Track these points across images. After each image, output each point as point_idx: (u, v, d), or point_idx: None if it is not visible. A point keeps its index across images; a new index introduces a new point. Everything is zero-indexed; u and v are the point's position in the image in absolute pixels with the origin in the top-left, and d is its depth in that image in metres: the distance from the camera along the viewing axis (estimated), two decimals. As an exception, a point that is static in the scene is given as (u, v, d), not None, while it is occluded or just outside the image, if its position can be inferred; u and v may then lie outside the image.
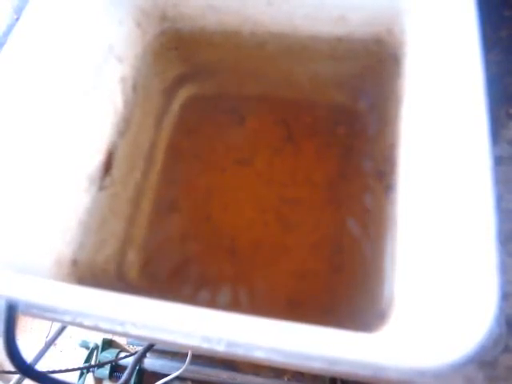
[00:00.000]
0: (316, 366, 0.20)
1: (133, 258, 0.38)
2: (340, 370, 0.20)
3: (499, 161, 0.38)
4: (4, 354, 0.36)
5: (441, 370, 0.18)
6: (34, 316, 0.25)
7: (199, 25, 0.38)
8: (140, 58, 0.38)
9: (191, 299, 0.37)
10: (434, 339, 0.20)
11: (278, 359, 0.20)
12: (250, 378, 0.75)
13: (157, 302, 0.21)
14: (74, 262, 0.31)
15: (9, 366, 0.37)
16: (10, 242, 0.27)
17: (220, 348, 0.20)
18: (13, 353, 0.37)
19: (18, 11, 0.56)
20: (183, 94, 0.44)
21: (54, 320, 0.24)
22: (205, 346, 0.20)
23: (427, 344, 0.19)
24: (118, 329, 0.21)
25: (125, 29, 0.36)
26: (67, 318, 0.23)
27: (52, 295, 0.21)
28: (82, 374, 0.80)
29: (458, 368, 0.19)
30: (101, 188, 0.35)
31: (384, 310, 0.28)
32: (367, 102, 0.40)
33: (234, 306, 0.36)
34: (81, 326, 0.23)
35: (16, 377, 0.54)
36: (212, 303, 0.36)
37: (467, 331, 0.19)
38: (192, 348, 0.37)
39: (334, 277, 0.36)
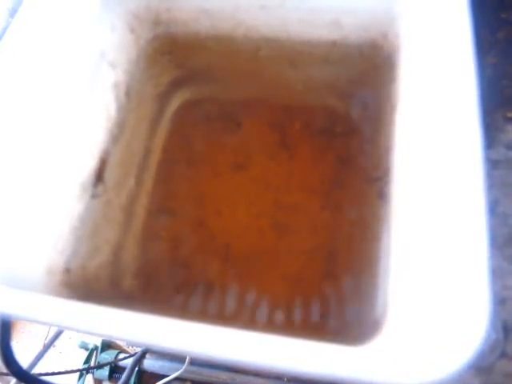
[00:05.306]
0: (307, 378, 0.20)
1: (126, 265, 0.38)
2: (334, 381, 0.20)
3: (496, 165, 0.38)
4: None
5: (436, 382, 0.18)
6: (30, 321, 0.25)
7: (193, 29, 0.38)
8: (133, 64, 0.38)
9: (184, 306, 0.37)
10: (429, 349, 0.20)
11: (267, 370, 0.20)
12: (249, 378, 0.75)
13: (149, 317, 0.21)
14: (67, 270, 0.31)
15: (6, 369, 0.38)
16: (1, 251, 0.27)
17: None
18: (8, 358, 0.37)
19: (13, 14, 0.55)
20: (177, 99, 0.44)
21: (49, 325, 0.24)
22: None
23: (421, 355, 0.19)
24: (113, 335, 0.21)
25: (117, 34, 0.36)
26: (60, 326, 0.22)
27: (42, 311, 0.21)
28: (81, 376, 0.80)
29: (454, 377, 0.18)
30: (93, 195, 0.35)
31: (378, 318, 0.28)
32: (362, 107, 0.40)
33: (228, 313, 0.36)
34: (77, 331, 0.22)
35: (15, 379, 0.54)
36: (205, 310, 0.36)
37: (462, 340, 0.19)
38: (186, 354, 0.37)
39: (329, 283, 0.36)
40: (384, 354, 0.20)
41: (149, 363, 0.77)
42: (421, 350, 0.20)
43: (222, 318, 0.36)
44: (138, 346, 0.73)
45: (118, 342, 0.84)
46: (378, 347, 0.24)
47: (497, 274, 0.36)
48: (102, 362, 0.79)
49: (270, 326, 0.35)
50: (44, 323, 0.22)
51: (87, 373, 0.80)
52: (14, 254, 0.28)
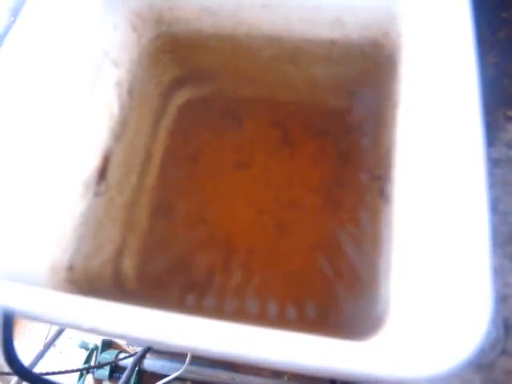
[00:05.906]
0: (310, 372, 0.20)
1: (129, 263, 0.38)
2: (336, 376, 0.20)
3: (497, 163, 0.38)
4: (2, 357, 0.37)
5: (437, 376, 0.18)
6: (31, 319, 0.25)
7: (195, 28, 0.38)
8: (136, 62, 0.38)
9: (187, 305, 0.37)
10: (430, 344, 0.20)
11: (270, 364, 0.20)
12: (249, 378, 0.75)
13: (151, 312, 0.21)
14: (70, 268, 0.31)
15: (8, 368, 0.38)
16: (5, 249, 0.27)
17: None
18: (11, 357, 0.37)
19: (15, 13, 0.56)
20: (179, 98, 0.44)
21: (51, 323, 0.24)
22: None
23: (423, 350, 0.19)
24: (119, 332, 0.21)
25: (120, 33, 0.36)
26: (64, 323, 0.23)
27: (46, 306, 0.21)
28: (81, 375, 0.80)
29: (455, 372, 0.19)
30: (96, 193, 0.35)
31: (380, 314, 0.28)
32: (363, 106, 0.40)
33: (230, 310, 0.36)
34: (78, 329, 0.23)
35: (15, 378, 0.54)
36: (208, 308, 0.36)
37: (463, 337, 0.19)
38: (189, 350, 0.37)
39: (330, 281, 0.36)
40: (386, 349, 0.20)
41: (149, 363, 0.77)
42: (422, 345, 0.20)
43: (223, 314, 0.36)
44: (141, 343, 0.72)
45: (119, 342, 0.84)
46: (380, 342, 0.24)
47: (498, 271, 0.37)
48: (102, 361, 0.79)
49: (273, 322, 0.35)
50: (46, 320, 0.22)
51: (87, 372, 0.80)
52: (18, 252, 0.28)
